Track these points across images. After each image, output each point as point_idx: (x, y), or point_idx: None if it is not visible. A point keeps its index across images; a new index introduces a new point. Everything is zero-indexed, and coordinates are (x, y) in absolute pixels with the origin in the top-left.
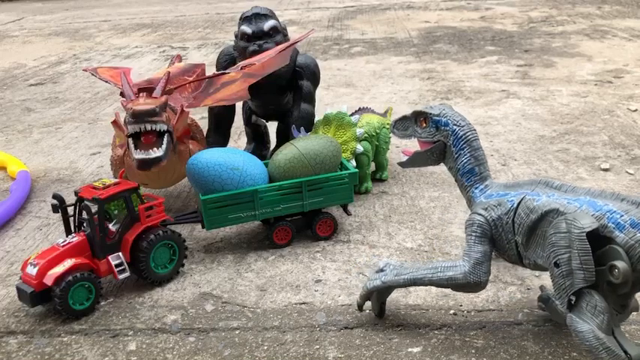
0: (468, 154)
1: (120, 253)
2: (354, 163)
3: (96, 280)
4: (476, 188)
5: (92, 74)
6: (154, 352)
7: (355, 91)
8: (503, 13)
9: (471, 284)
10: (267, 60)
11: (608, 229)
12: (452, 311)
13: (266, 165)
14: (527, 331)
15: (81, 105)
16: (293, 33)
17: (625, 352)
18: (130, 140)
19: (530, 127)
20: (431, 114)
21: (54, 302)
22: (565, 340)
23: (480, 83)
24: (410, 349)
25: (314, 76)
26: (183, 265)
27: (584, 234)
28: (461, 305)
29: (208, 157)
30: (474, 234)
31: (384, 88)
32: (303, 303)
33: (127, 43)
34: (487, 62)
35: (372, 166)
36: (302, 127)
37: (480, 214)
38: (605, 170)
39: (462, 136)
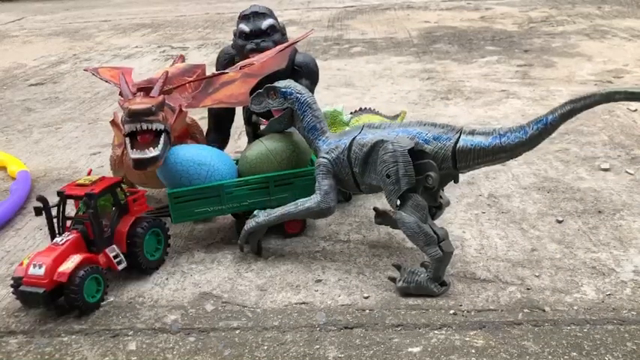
0: (310, 115)
1: (114, 246)
2: None
3: (103, 271)
4: (319, 140)
5: (93, 74)
6: (154, 352)
7: (355, 91)
8: (503, 13)
9: (323, 210)
10: (267, 60)
11: (419, 145)
12: (452, 311)
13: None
14: (527, 331)
15: (81, 105)
16: (293, 33)
17: (435, 232)
18: (127, 139)
19: None
20: (279, 87)
21: (69, 298)
22: (565, 340)
23: (480, 83)
24: (410, 349)
25: (313, 75)
26: (169, 246)
27: (406, 151)
28: (461, 305)
29: (176, 154)
30: (321, 172)
31: (384, 88)
32: (303, 303)
33: (127, 43)
34: (487, 62)
35: None
36: None
37: (324, 157)
38: (605, 170)
39: (304, 101)
